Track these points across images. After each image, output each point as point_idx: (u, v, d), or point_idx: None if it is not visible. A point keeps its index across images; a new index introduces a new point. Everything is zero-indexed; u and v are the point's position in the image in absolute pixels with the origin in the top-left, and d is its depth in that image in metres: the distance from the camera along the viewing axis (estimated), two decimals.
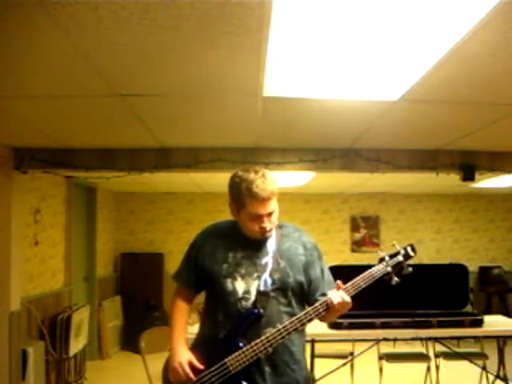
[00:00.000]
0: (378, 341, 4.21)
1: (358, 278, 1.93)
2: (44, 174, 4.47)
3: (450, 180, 4.63)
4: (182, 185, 6.70)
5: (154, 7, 1.67)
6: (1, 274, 3.99)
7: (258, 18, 1.75)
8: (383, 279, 1.97)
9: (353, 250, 7.92)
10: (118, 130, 3.59)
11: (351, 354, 4.47)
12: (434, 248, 7.97)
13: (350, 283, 1.92)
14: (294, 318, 1.89)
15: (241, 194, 1.95)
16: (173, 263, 7.61)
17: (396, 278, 1.98)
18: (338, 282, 1.93)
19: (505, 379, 4.41)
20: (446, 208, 8.10)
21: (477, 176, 4.29)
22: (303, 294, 2.02)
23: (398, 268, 2.00)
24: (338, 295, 1.88)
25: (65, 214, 5.52)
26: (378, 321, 3.98)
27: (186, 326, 2.14)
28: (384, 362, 4.46)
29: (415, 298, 4.33)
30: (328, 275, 2.10)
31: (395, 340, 4.53)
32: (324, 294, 1.96)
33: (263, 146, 4.11)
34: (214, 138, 3.86)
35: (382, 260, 2.01)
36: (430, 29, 1.83)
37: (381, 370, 4.51)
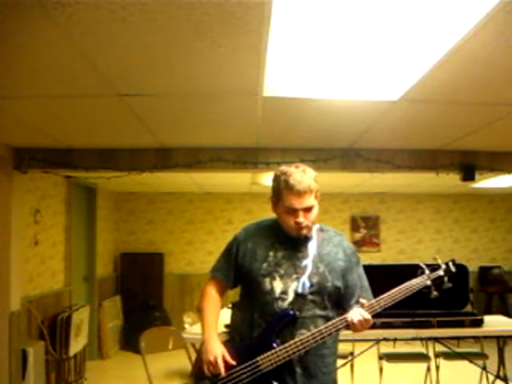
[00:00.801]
0: (378, 341, 4.21)
1: (396, 289, 1.95)
2: (44, 174, 4.47)
3: (450, 180, 4.63)
4: (182, 185, 6.70)
5: (153, 7, 1.67)
6: (1, 274, 3.99)
7: (258, 18, 1.75)
8: (422, 291, 2.00)
9: None
10: (118, 130, 3.59)
11: (351, 354, 4.47)
12: (434, 248, 7.97)
13: (386, 294, 1.94)
14: (330, 323, 1.90)
15: (279, 187, 1.97)
16: (173, 263, 7.63)
17: (435, 292, 2.01)
18: (362, 300, 1.94)
19: (505, 379, 4.41)
20: (446, 208, 8.10)
21: (477, 176, 4.29)
22: (339, 299, 2.03)
23: (437, 282, 2.02)
24: (358, 313, 1.89)
25: (65, 214, 5.52)
26: (378, 321, 3.98)
27: (218, 317, 2.13)
28: (384, 362, 4.46)
29: (415, 298, 4.32)
30: (365, 281, 2.11)
31: (395, 340, 4.53)
32: (359, 302, 1.97)
33: (263, 145, 4.11)
34: (214, 138, 3.86)
35: (422, 273, 2.02)
36: (429, 29, 1.83)
37: (381, 370, 4.50)
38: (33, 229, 4.67)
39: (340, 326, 1.90)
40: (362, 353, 4.35)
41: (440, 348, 4.58)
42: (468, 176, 4.25)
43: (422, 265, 2.04)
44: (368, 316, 1.90)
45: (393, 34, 1.88)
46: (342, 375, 4.46)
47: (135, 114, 3.06)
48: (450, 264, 2.05)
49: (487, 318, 4.25)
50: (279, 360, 1.88)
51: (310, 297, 1.95)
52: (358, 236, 7.97)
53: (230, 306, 3.85)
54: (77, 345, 4.97)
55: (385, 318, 4.01)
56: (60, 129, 3.54)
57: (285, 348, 1.88)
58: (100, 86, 2.52)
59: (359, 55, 2.10)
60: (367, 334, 4.02)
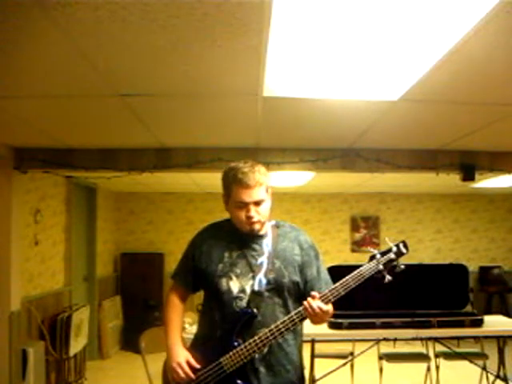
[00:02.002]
0: (378, 341, 4.21)
1: (348, 277, 1.90)
2: (44, 173, 4.47)
3: (450, 180, 4.63)
4: (182, 185, 6.70)
5: (153, 7, 1.67)
6: (1, 274, 3.99)
7: (258, 18, 1.75)
8: (375, 277, 1.93)
9: (353, 250, 7.92)
10: (118, 130, 3.59)
11: (351, 354, 4.47)
12: (434, 248, 7.97)
13: (338, 283, 1.89)
14: (286, 317, 1.89)
15: (228, 182, 1.98)
16: (173, 263, 7.58)
17: (388, 276, 1.93)
18: (313, 292, 1.90)
19: (505, 379, 4.41)
20: (446, 208, 8.10)
21: (477, 176, 4.29)
22: (300, 294, 2.02)
23: (390, 266, 1.95)
24: (315, 304, 1.85)
25: (65, 214, 5.52)
26: (378, 321, 3.98)
27: (181, 324, 2.16)
28: (384, 362, 4.46)
29: (415, 298, 4.33)
30: (325, 275, 2.08)
31: (395, 340, 4.53)
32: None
33: (263, 145, 4.11)
34: (213, 137, 3.86)
35: (372, 258, 1.95)
36: (430, 29, 1.83)
37: (381, 370, 4.51)
38: (33, 229, 4.67)
39: (296, 320, 1.88)
40: (362, 353, 4.35)
41: (440, 348, 4.58)
42: (468, 176, 4.25)
43: (372, 250, 1.98)
44: (323, 305, 1.85)
45: (393, 34, 1.88)
46: (342, 375, 4.49)
47: (135, 114, 3.06)
48: (401, 245, 2.00)
49: (487, 318, 4.25)
50: (241, 359, 1.88)
51: (267, 294, 1.95)
52: (357, 236, 7.97)
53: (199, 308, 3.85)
54: (77, 345, 4.97)
55: (385, 318, 4.02)
56: (60, 129, 3.54)
57: (245, 347, 1.88)
58: (100, 86, 2.52)
59: (359, 55, 2.10)
60: (367, 334, 4.04)
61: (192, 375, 1.95)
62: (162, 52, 2.08)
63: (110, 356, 6.48)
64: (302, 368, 2.08)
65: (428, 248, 7.97)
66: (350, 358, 4.46)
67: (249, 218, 1.95)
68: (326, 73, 2.31)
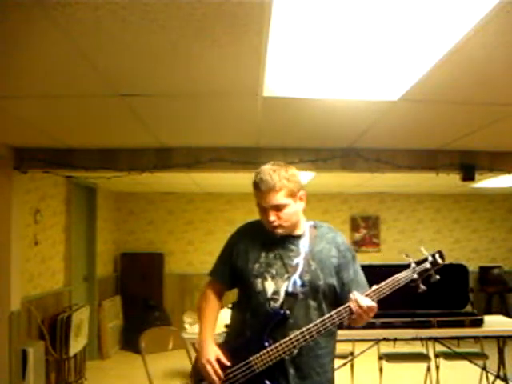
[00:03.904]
0: (378, 341, 4.21)
1: (383, 283, 1.89)
2: (44, 173, 4.47)
3: (450, 180, 4.63)
4: (182, 185, 6.70)
5: (153, 7, 1.67)
6: (1, 274, 3.99)
7: (258, 18, 1.75)
8: (409, 286, 1.93)
9: None
10: (118, 130, 3.59)
11: (351, 353, 4.47)
12: (434, 248, 7.93)
13: (372, 289, 1.89)
14: (318, 320, 1.87)
15: (253, 185, 1.99)
16: (173, 263, 7.62)
17: (423, 286, 1.93)
18: (355, 292, 1.89)
19: (505, 379, 4.41)
20: (446, 208, 8.10)
21: (477, 176, 4.29)
22: (336, 297, 2.00)
23: (424, 275, 1.94)
24: (362, 299, 1.84)
25: (65, 214, 5.52)
26: (378, 321, 3.98)
27: (216, 320, 2.14)
28: (384, 362, 4.46)
29: (415, 298, 4.32)
30: (362, 277, 2.07)
31: (395, 340, 4.53)
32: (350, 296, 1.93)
33: (263, 145, 4.11)
34: (214, 137, 3.87)
35: (408, 266, 1.95)
36: (430, 29, 1.83)
37: (381, 370, 4.51)
38: (33, 229, 4.67)
39: (344, 314, 1.85)
40: (362, 353, 4.35)
41: (440, 348, 4.58)
42: (468, 176, 4.25)
43: (408, 258, 1.98)
44: (373, 303, 1.84)
45: (393, 34, 1.88)
46: (342, 375, 4.48)
47: (135, 113, 3.06)
48: (437, 256, 1.98)
49: (487, 318, 4.24)
50: (271, 360, 1.87)
51: (301, 296, 1.93)
52: (357, 236, 7.97)
53: (230, 306, 3.85)
54: (77, 345, 4.97)
55: (385, 318, 4.02)
56: (60, 129, 3.54)
57: (276, 348, 1.87)
58: (100, 86, 2.52)
59: (359, 55, 2.10)
60: (367, 334, 4.03)
61: (221, 373, 1.95)
62: (162, 52, 2.08)
63: (110, 356, 6.48)
64: (332, 371, 2.06)
65: (428, 248, 7.94)
66: (349, 358, 4.46)
67: (269, 222, 1.95)
68: (326, 73, 2.31)
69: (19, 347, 4.08)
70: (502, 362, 4.39)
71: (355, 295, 1.86)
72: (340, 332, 4.20)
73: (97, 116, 3.18)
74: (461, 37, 1.88)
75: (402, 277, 1.92)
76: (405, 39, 1.93)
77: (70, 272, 5.54)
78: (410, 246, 7.96)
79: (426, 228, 8.06)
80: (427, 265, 1.96)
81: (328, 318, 1.87)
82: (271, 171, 1.96)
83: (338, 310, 1.87)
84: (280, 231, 1.97)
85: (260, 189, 1.93)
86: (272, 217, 1.93)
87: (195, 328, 4.11)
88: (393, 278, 1.91)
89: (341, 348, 4.50)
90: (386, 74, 2.33)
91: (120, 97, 2.70)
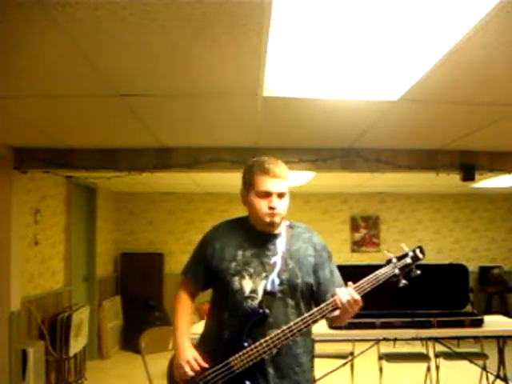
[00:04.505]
0: (378, 341, 4.21)
1: (364, 280, 1.89)
2: (44, 173, 4.47)
3: (450, 180, 4.63)
4: (182, 185, 6.70)
5: (153, 7, 1.67)
6: (1, 274, 3.99)
7: (258, 18, 1.75)
8: (390, 281, 1.92)
9: (353, 250, 7.92)
10: (118, 129, 3.59)
11: (351, 354, 4.47)
12: (434, 248, 7.97)
13: (354, 285, 1.88)
14: (299, 318, 1.86)
15: (252, 173, 1.97)
16: (173, 263, 7.62)
17: (404, 281, 1.93)
18: (349, 283, 1.90)
19: (505, 379, 4.41)
20: (446, 208, 8.10)
21: (477, 176, 4.29)
22: (312, 296, 2.01)
23: (405, 270, 1.94)
24: (346, 293, 1.84)
25: (65, 214, 5.52)
26: (378, 321, 3.98)
27: (190, 322, 2.13)
28: (384, 362, 4.46)
29: (415, 298, 4.32)
30: (338, 277, 2.07)
31: (395, 340, 4.53)
32: (333, 294, 1.91)
33: (263, 145, 4.11)
34: (213, 138, 3.87)
35: (388, 262, 1.95)
36: (429, 29, 1.83)
37: (381, 370, 4.50)
38: (33, 229, 4.67)
39: (326, 310, 1.85)
40: (362, 353, 4.35)
41: (440, 348, 4.58)
42: (468, 176, 4.25)
43: (388, 253, 1.98)
44: (357, 296, 1.84)
45: (393, 34, 1.88)
46: (342, 375, 4.49)
47: (135, 113, 3.06)
48: (417, 251, 1.98)
49: (487, 318, 4.25)
50: (251, 360, 1.86)
51: (279, 294, 1.93)
52: (357, 236, 7.97)
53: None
54: (77, 345, 4.97)
55: (385, 318, 4.02)
56: (60, 129, 3.54)
57: (256, 347, 1.86)
58: (100, 86, 2.52)
59: (359, 55, 2.10)
60: (367, 334, 4.04)
61: (192, 374, 1.93)
62: (162, 52, 2.08)
63: (110, 356, 6.48)
64: (311, 371, 2.06)
65: (428, 248, 7.92)
66: (349, 358, 4.46)
67: (271, 208, 1.93)
68: (326, 73, 2.32)
69: (19, 347, 4.08)
70: (502, 361, 4.39)
71: (340, 289, 1.86)
72: (340, 332, 4.20)
73: (97, 116, 3.18)
74: (461, 37, 1.88)
75: (383, 273, 1.91)
76: (405, 39, 1.93)
77: (70, 272, 5.54)
78: (410, 246, 7.95)
79: (426, 228, 8.06)
80: (408, 260, 1.96)
81: (310, 315, 1.86)
82: (277, 161, 1.98)
83: (320, 307, 1.87)
84: (277, 220, 1.96)
85: (273, 173, 1.93)
86: (275, 203, 1.93)
87: (195, 328, 4.11)
88: (373, 274, 1.91)
89: (341, 348, 4.52)
90: (386, 73, 2.33)
91: (120, 97, 2.70)
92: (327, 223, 7.94)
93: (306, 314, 1.87)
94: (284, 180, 1.96)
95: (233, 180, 5.95)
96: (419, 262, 1.97)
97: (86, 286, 6.30)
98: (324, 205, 7.97)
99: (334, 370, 4.30)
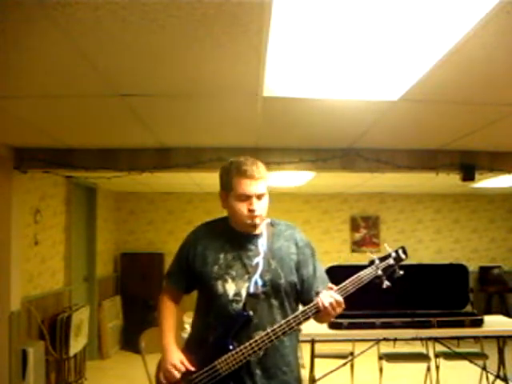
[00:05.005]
0: (378, 341, 4.21)
1: (347, 281, 1.87)
2: (44, 174, 4.47)
3: (450, 180, 4.63)
4: (182, 185, 6.70)
5: (153, 7, 1.67)
6: (1, 274, 3.99)
7: (258, 18, 1.75)
8: (374, 282, 1.91)
9: (353, 250, 7.92)
10: (118, 129, 3.59)
11: (351, 354, 4.47)
12: (434, 248, 7.97)
13: (337, 287, 1.86)
14: (283, 321, 1.85)
15: (230, 176, 1.94)
16: None
17: (387, 282, 1.91)
18: (330, 285, 1.89)
19: (505, 379, 4.41)
20: (446, 208, 8.10)
21: (477, 176, 4.29)
22: (297, 294, 2.00)
23: (389, 271, 1.93)
24: (328, 296, 1.82)
25: (65, 214, 5.52)
26: (378, 321, 3.98)
27: (175, 325, 2.12)
28: (384, 362, 4.46)
29: (415, 298, 4.33)
30: (321, 273, 2.05)
31: (395, 340, 4.53)
32: (318, 293, 1.91)
33: (263, 145, 4.11)
34: (214, 137, 3.87)
35: (371, 263, 1.93)
36: (429, 29, 1.83)
37: (381, 370, 4.50)
38: (33, 229, 4.67)
39: (309, 313, 1.83)
40: (362, 353, 4.35)
41: (440, 348, 4.58)
42: (468, 176, 4.25)
43: (371, 254, 1.97)
44: (340, 298, 1.82)
45: (393, 33, 1.88)
46: (342, 375, 4.49)
47: (135, 113, 3.06)
48: (400, 251, 1.97)
49: (487, 318, 4.25)
50: (236, 362, 1.85)
51: (263, 296, 1.91)
52: (357, 236, 7.97)
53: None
54: (77, 345, 4.97)
55: (385, 318, 4.02)
56: (60, 129, 3.54)
57: (241, 350, 1.85)
58: (100, 85, 2.52)
59: (359, 55, 2.10)
60: (367, 334, 4.04)
61: (179, 377, 1.93)
62: (161, 52, 2.08)
63: (110, 356, 6.48)
64: (298, 369, 2.04)
65: (428, 248, 7.97)
66: (349, 358, 4.45)
67: (251, 210, 1.91)
68: (325, 73, 2.31)
69: (19, 347, 4.08)
70: (502, 362, 4.39)
71: (322, 292, 1.85)
72: (340, 332, 4.20)
73: (97, 116, 3.18)
74: (461, 37, 1.87)
75: (366, 274, 1.90)
76: (405, 39, 1.93)
77: (70, 272, 5.54)
78: (410, 246, 7.97)
79: (426, 228, 8.06)
80: (391, 261, 1.95)
81: (293, 318, 1.85)
82: (253, 161, 1.94)
83: (303, 309, 1.86)
84: (258, 221, 1.95)
85: (251, 175, 1.90)
86: (255, 205, 1.91)
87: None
88: (356, 275, 1.89)
89: (341, 348, 4.52)
90: (386, 73, 2.33)
91: (120, 97, 2.70)
92: (327, 223, 7.94)
93: (290, 317, 1.86)
94: (262, 180, 1.93)
95: None
96: (402, 263, 1.96)
97: (85, 286, 6.31)
98: (324, 205, 7.96)
99: (334, 370, 4.30)
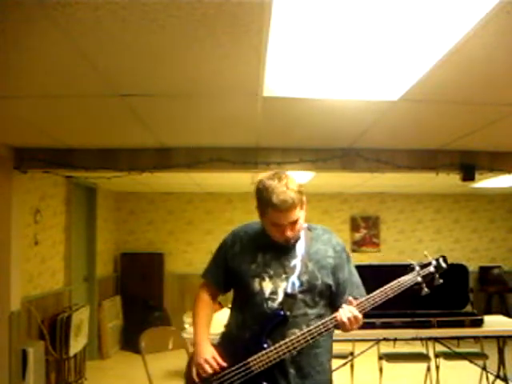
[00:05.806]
0: (378, 341, 4.21)
1: (387, 286, 1.92)
2: (44, 174, 4.47)
3: (450, 180, 4.63)
4: (182, 185, 6.70)
5: (153, 7, 1.67)
6: (1, 274, 3.99)
7: (258, 18, 1.75)
8: (413, 288, 1.96)
9: (353, 250, 7.91)
10: (118, 129, 3.59)
11: (351, 353, 4.47)
12: (434, 248, 7.97)
13: (377, 292, 1.90)
14: (320, 322, 1.88)
15: (263, 202, 1.93)
16: (173, 263, 7.62)
17: (426, 289, 1.97)
18: (350, 298, 1.91)
19: (505, 379, 4.41)
20: (446, 208, 8.10)
21: (477, 176, 4.29)
22: (331, 297, 2.02)
23: (428, 279, 1.98)
24: (347, 311, 1.86)
25: (65, 214, 5.52)
26: (378, 321, 3.98)
27: (210, 322, 2.14)
28: (384, 362, 4.46)
29: (415, 298, 4.32)
30: (356, 278, 2.10)
31: (395, 340, 4.53)
32: (356, 298, 1.94)
33: (263, 145, 4.11)
34: (214, 137, 3.86)
35: (411, 269, 1.98)
36: (429, 29, 1.83)
37: (381, 370, 4.50)
38: (33, 229, 4.67)
39: (330, 326, 1.87)
40: (362, 353, 4.35)
41: (440, 348, 4.58)
42: (468, 176, 4.25)
43: (411, 261, 2.01)
44: (357, 313, 1.86)
45: (393, 33, 1.88)
46: (342, 375, 4.48)
47: (135, 113, 3.06)
48: (441, 260, 2.02)
49: (487, 318, 4.25)
50: (270, 361, 1.87)
51: (300, 296, 1.94)
52: (357, 236, 7.96)
53: (229, 306, 3.86)
54: (77, 345, 4.97)
55: (385, 318, 4.02)
56: (60, 129, 3.54)
57: (275, 349, 1.87)
58: (100, 85, 2.52)
59: (359, 55, 2.10)
60: (367, 334, 4.03)
61: (211, 372, 1.94)
62: (161, 52, 2.08)
63: (110, 356, 6.48)
64: (331, 370, 2.07)
65: (428, 248, 7.95)
66: (349, 358, 4.46)
67: (284, 237, 1.94)
68: (325, 73, 2.32)
69: (19, 347, 4.08)
70: (502, 362, 4.39)
71: (342, 307, 1.88)
72: (340, 332, 4.20)
73: (97, 116, 3.18)
74: (461, 37, 1.88)
75: (406, 280, 1.95)
76: (405, 39, 1.93)
77: (70, 272, 5.54)
78: (410, 246, 7.97)
79: (426, 228, 8.06)
80: (431, 268, 2.00)
81: (330, 319, 1.88)
82: (284, 187, 1.90)
83: (324, 320, 1.88)
84: (292, 242, 1.98)
85: (281, 209, 1.87)
86: (289, 232, 1.93)
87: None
88: (396, 281, 1.94)
89: (341, 348, 4.51)
90: (386, 73, 2.33)
91: (120, 97, 2.70)
92: (327, 223, 7.93)
93: (327, 318, 1.88)
94: (296, 207, 1.92)
95: (233, 180, 5.98)
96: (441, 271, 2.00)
97: (86, 286, 6.30)
98: (324, 205, 7.96)
99: (334, 370, 4.26)
